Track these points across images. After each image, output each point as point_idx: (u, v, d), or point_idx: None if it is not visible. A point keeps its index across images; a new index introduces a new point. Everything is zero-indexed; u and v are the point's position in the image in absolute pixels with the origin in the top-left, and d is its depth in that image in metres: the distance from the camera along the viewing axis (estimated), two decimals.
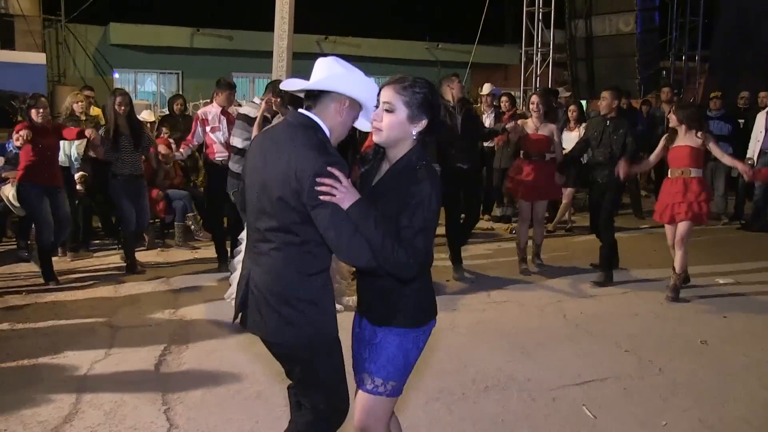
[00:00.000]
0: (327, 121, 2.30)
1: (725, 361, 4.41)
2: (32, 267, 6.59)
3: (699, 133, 5.66)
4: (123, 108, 6.28)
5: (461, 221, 6.55)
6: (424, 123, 2.27)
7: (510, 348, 4.58)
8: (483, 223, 8.96)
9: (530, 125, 6.60)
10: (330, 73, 2.30)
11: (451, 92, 6.14)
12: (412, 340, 2.35)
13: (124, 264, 6.58)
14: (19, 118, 6.80)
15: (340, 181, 2.12)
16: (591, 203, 6.69)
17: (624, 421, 3.57)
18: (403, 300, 2.32)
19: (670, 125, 5.86)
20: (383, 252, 2.12)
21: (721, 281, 6.28)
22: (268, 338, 2.42)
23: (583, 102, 12.33)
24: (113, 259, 7.01)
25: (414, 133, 2.28)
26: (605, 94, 6.27)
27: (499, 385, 3.96)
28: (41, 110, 5.97)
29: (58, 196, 6.18)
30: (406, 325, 2.34)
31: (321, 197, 2.11)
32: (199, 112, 6.71)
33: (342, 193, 2.11)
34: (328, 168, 2.13)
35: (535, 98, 6.65)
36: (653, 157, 6.06)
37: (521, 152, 6.69)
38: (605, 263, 6.23)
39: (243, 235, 5.39)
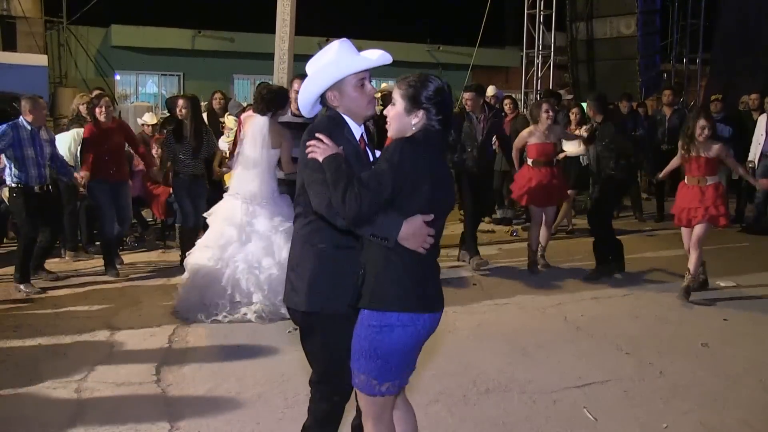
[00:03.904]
0: (339, 108, 2.52)
1: (726, 364, 4.41)
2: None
3: (717, 147, 5.76)
4: (184, 112, 6.48)
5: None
6: (420, 115, 2.38)
7: (511, 350, 4.58)
8: (484, 225, 8.96)
9: (538, 134, 6.64)
10: (303, 86, 2.55)
11: (467, 104, 6.68)
12: (376, 329, 2.31)
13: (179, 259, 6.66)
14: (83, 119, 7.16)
15: (322, 141, 2.35)
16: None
17: (625, 423, 3.57)
18: (374, 281, 2.33)
19: (699, 137, 5.80)
20: (337, 189, 2.25)
21: (722, 284, 6.28)
22: (284, 302, 2.62)
23: (584, 104, 12.33)
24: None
25: (413, 124, 2.39)
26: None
27: (499, 388, 3.96)
28: (104, 108, 6.31)
29: (121, 189, 6.53)
30: (367, 306, 2.34)
31: (307, 157, 2.38)
32: None
33: (322, 149, 2.34)
34: (317, 133, 2.38)
35: (546, 105, 6.70)
36: (674, 162, 6.18)
37: (530, 160, 6.72)
38: (597, 256, 6.49)
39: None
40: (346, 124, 2.51)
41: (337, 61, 2.47)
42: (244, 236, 5.23)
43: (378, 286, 2.33)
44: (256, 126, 5.36)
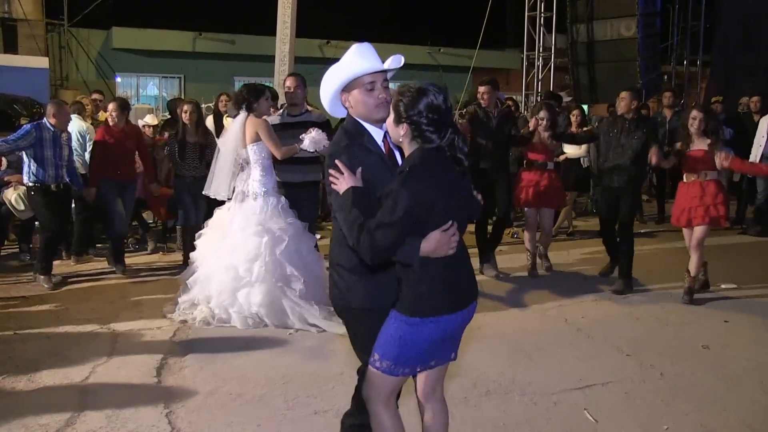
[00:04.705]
0: (353, 111, 2.55)
1: (727, 366, 4.40)
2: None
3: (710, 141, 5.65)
4: (188, 116, 6.54)
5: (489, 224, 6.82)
6: (405, 129, 2.39)
7: (511, 352, 4.58)
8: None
9: (535, 136, 6.59)
10: (321, 84, 2.60)
11: (482, 100, 6.54)
12: (407, 327, 2.43)
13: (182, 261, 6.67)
14: (89, 122, 7.35)
15: (341, 171, 2.38)
16: (603, 209, 6.51)
17: (625, 425, 3.57)
18: (405, 288, 2.45)
19: (690, 127, 5.72)
20: (351, 234, 2.34)
21: (723, 286, 6.28)
22: (329, 298, 2.74)
23: (584, 106, 12.33)
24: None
25: (401, 136, 2.42)
26: (624, 94, 6.09)
27: (500, 389, 3.96)
28: (112, 113, 6.49)
29: (127, 189, 6.68)
30: (400, 311, 2.46)
31: (331, 185, 2.42)
32: None
33: (340, 181, 2.38)
34: (336, 160, 2.41)
35: (544, 113, 6.52)
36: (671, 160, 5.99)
37: (524, 161, 6.69)
38: (625, 271, 6.12)
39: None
40: (366, 131, 2.53)
41: (345, 65, 2.50)
42: (221, 236, 5.24)
43: (409, 294, 2.44)
44: (233, 125, 5.39)
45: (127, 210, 6.78)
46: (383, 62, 2.54)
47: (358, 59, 2.49)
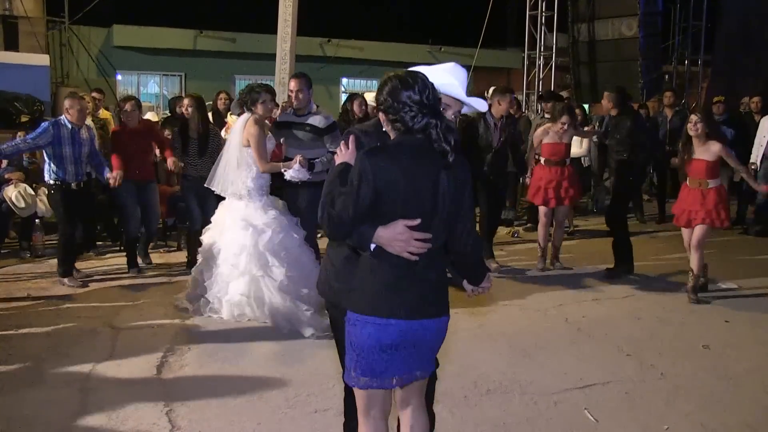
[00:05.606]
0: None
1: (727, 366, 4.41)
2: (34, 268, 6.61)
3: (717, 148, 5.64)
4: (190, 110, 6.49)
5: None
6: (382, 116, 2.43)
7: (512, 351, 4.58)
8: None
9: (552, 134, 6.62)
10: None
11: (497, 107, 6.51)
12: (349, 326, 2.40)
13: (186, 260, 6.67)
14: (92, 123, 7.10)
15: (347, 146, 2.45)
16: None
17: (626, 425, 3.57)
18: (352, 283, 2.43)
19: (691, 134, 5.71)
20: (323, 203, 2.35)
21: (724, 286, 6.28)
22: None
23: (586, 106, 12.32)
24: (115, 260, 7.01)
25: (384, 124, 2.44)
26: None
27: (500, 389, 3.96)
28: (128, 112, 6.40)
29: (147, 188, 6.54)
30: (347, 306, 2.42)
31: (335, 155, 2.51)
32: None
33: (341, 155, 2.45)
34: (351, 135, 2.49)
35: (565, 119, 6.57)
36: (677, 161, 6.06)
37: (542, 159, 6.70)
38: (620, 257, 6.39)
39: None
40: None
41: (436, 74, 2.53)
42: (220, 232, 5.33)
43: (354, 288, 2.40)
44: (236, 124, 5.45)
45: (154, 209, 6.64)
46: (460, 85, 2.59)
47: (450, 78, 2.53)
